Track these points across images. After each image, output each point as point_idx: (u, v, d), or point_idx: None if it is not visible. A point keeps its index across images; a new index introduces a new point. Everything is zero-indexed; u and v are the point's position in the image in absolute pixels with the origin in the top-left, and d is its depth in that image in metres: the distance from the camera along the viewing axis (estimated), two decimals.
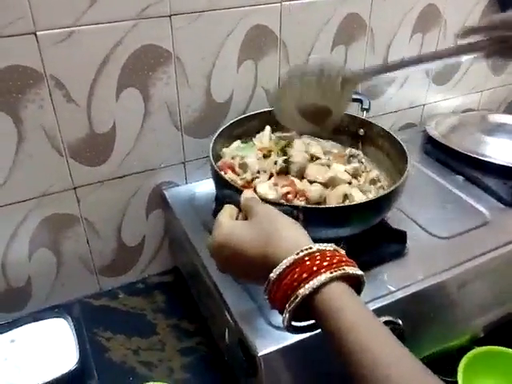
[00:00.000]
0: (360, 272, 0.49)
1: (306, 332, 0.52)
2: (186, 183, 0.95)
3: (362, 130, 0.88)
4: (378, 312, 0.67)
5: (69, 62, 0.74)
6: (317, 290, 0.46)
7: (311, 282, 0.46)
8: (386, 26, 1.00)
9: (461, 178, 0.98)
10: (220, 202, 0.63)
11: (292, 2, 0.86)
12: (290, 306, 0.47)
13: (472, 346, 0.80)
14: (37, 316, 0.81)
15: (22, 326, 0.80)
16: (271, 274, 0.49)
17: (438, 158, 1.04)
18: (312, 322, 0.51)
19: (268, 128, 0.86)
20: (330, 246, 0.50)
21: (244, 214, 0.59)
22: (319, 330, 0.49)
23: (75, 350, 0.76)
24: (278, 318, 0.62)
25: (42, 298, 0.91)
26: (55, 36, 0.71)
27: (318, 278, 0.46)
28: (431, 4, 1.03)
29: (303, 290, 0.46)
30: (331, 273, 0.47)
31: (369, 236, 0.74)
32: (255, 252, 0.52)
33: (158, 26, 0.77)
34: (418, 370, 0.43)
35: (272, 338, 0.62)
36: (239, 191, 0.63)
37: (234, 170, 0.78)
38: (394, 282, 0.72)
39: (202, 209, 0.87)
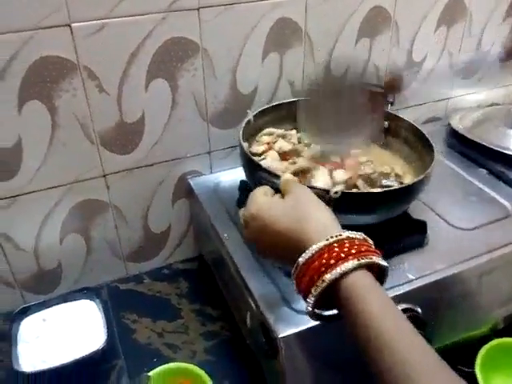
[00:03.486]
0: (385, 263, 0.50)
1: (326, 321, 0.53)
2: (211, 173, 0.97)
3: (386, 123, 0.89)
4: (398, 299, 0.69)
5: (101, 53, 0.76)
6: (343, 276, 0.47)
7: (338, 268, 0.47)
8: (410, 19, 1.00)
9: (484, 171, 0.98)
10: (246, 192, 0.64)
11: None
12: (315, 290, 0.48)
13: (492, 336, 0.81)
14: (67, 297, 0.84)
15: (52, 306, 0.83)
16: (300, 259, 0.50)
17: (461, 152, 1.04)
18: (334, 312, 0.52)
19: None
20: (359, 235, 0.51)
21: (282, 193, 0.60)
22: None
23: (103, 330, 0.78)
24: (299, 303, 0.65)
25: (71, 281, 0.95)
26: (88, 28, 0.74)
27: (346, 264, 0.47)
28: None
29: (330, 275, 0.47)
30: (358, 260, 0.48)
31: (390, 226, 0.75)
32: (286, 229, 0.53)
33: (187, 18, 0.79)
34: (440, 366, 0.43)
35: (292, 322, 0.64)
36: (272, 175, 0.65)
37: None
38: (413, 270, 0.73)
39: (226, 198, 0.89)
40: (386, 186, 0.76)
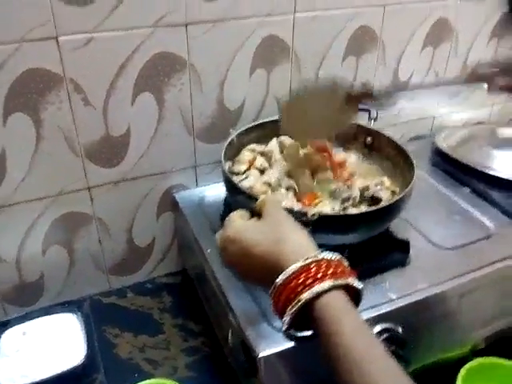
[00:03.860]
0: (361, 285, 0.51)
1: (302, 341, 0.54)
2: (197, 186, 0.97)
3: (369, 139, 0.90)
4: (378, 319, 0.69)
5: (88, 67, 0.76)
6: (318, 296, 0.48)
7: (314, 288, 0.48)
8: (397, 38, 1.01)
9: (467, 190, 0.99)
10: (233, 207, 0.65)
11: (305, 14, 0.89)
12: (291, 309, 0.49)
13: (472, 357, 0.81)
14: (48, 310, 0.84)
15: (33, 319, 0.82)
16: (277, 280, 0.50)
17: (445, 170, 1.05)
18: (309, 333, 0.53)
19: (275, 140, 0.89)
20: (335, 255, 0.52)
21: (257, 213, 0.61)
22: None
23: (83, 344, 0.78)
24: (280, 322, 0.65)
25: (53, 293, 0.94)
26: (76, 41, 0.74)
27: (322, 284, 0.48)
28: (443, 18, 1.04)
29: (306, 294, 0.48)
30: (334, 281, 0.49)
31: (373, 244, 0.75)
32: (264, 251, 0.54)
33: (174, 34, 0.80)
34: None
35: (273, 341, 0.64)
36: (250, 197, 0.65)
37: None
38: (394, 290, 0.73)
39: (211, 212, 0.89)
40: (376, 198, 0.78)
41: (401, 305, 0.71)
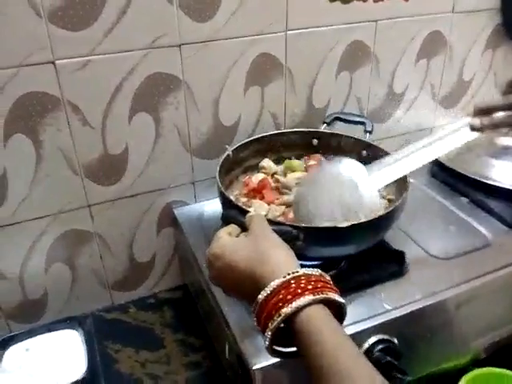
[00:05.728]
0: (342, 300, 0.52)
1: (285, 357, 0.54)
2: (196, 202, 0.99)
3: (364, 152, 0.91)
4: (373, 330, 0.69)
5: (85, 89, 0.79)
6: (299, 311, 0.49)
7: (294, 303, 0.49)
8: (390, 52, 1.03)
9: (465, 200, 0.99)
10: (225, 221, 0.66)
11: (297, 31, 0.90)
12: (272, 324, 0.50)
13: (471, 367, 0.80)
14: (51, 327, 0.85)
15: (36, 335, 0.83)
16: (259, 296, 0.51)
17: (444, 181, 1.05)
18: (293, 349, 0.53)
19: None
20: (315, 271, 0.53)
21: (246, 229, 0.62)
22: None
23: (85, 360, 0.79)
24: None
25: (56, 310, 0.95)
26: (72, 65, 0.76)
27: (302, 299, 0.49)
28: (436, 31, 1.05)
29: (286, 309, 0.49)
30: (314, 295, 0.49)
31: (369, 256, 0.76)
32: (245, 267, 0.55)
33: (169, 54, 0.82)
34: None
35: (267, 354, 0.64)
36: (243, 212, 0.67)
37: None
38: (390, 300, 0.73)
39: (209, 227, 0.90)
40: None
41: (397, 315, 0.71)
